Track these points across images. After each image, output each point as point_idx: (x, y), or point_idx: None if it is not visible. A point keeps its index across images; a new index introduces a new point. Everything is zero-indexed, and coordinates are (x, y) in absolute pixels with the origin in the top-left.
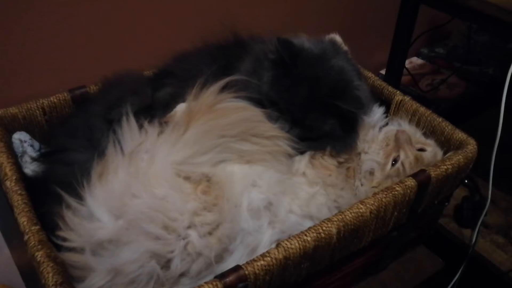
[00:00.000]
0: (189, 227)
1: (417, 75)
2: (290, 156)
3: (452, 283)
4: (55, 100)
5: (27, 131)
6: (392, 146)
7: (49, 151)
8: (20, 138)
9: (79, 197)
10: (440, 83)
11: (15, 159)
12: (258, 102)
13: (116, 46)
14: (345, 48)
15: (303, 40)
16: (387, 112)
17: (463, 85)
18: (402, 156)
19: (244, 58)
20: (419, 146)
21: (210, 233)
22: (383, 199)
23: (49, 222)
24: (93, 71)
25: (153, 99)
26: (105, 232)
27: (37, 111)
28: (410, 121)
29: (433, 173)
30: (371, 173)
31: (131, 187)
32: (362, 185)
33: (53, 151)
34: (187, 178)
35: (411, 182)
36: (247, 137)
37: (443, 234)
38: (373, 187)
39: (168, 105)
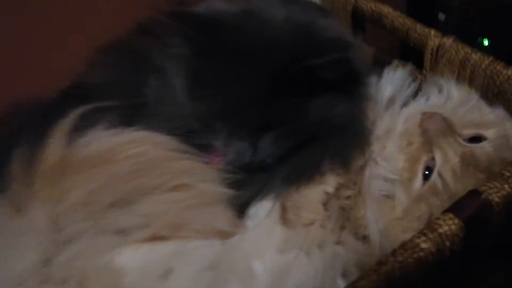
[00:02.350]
0: None
1: None
2: (238, 198)
3: None
4: None
5: None
6: (419, 144)
7: None
8: None
9: None
10: None
11: None
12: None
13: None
14: None
15: (214, 4)
16: (420, 69)
17: None
18: (438, 159)
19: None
20: (470, 132)
21: None
22: (402, 264)
23: None
24: None
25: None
26: None
27: None
28: (457, 78)
29: (495, 194)
30: (389, 196)
31: None
32: (376, 219)
33: None
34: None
35: (449, 225)
36: (140, 197)
37: None
38: (396, 219)
39: None
